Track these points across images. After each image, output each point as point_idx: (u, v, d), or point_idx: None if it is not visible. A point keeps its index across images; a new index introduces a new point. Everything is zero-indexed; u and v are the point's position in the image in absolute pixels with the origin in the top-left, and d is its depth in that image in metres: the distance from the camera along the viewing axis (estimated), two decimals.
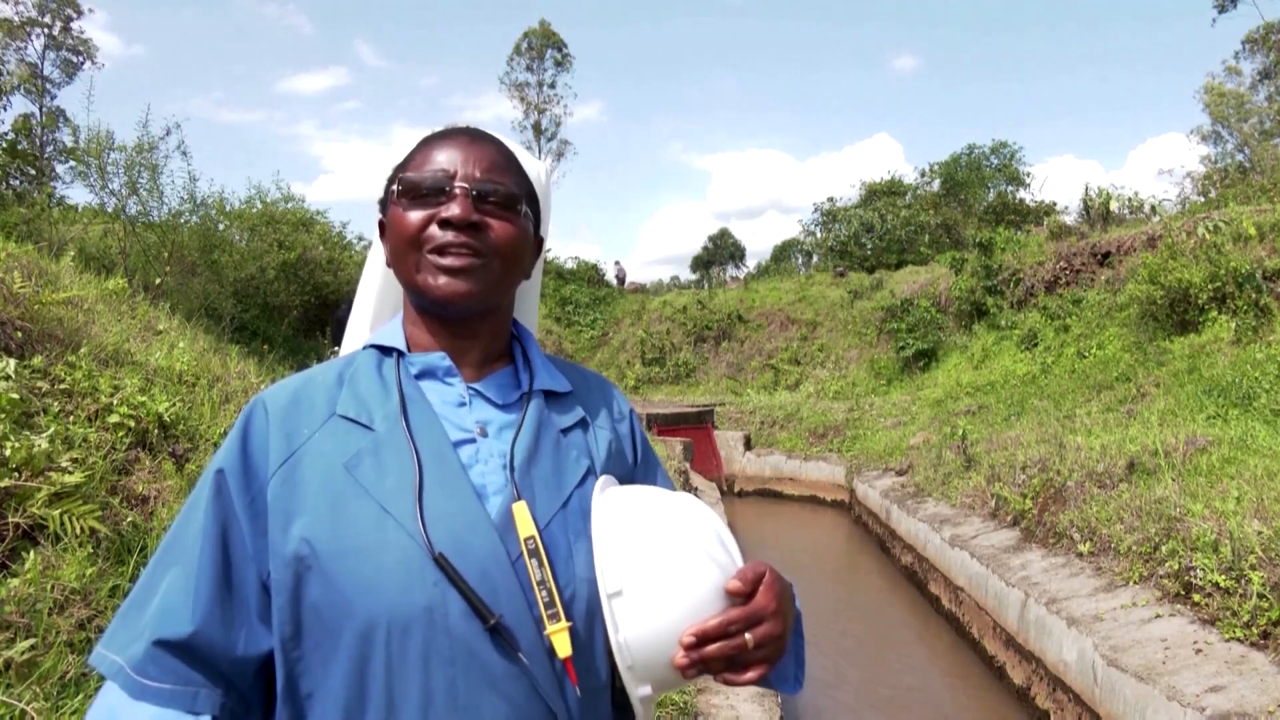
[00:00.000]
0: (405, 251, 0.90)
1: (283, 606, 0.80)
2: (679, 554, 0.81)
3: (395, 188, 0.91)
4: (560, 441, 0.93)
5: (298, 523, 0.81)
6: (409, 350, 0.94)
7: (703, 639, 0.78)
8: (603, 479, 0.92)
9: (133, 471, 3.57)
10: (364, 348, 0.96)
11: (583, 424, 0.98)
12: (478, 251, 0.88)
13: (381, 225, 0.98)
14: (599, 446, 0.97)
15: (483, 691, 0.78)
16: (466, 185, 0.89)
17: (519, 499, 0.85)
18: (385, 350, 0.94)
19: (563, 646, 0.80)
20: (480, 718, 0.78)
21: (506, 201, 0.91)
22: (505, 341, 0.99)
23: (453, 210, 0.88)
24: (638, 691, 0.80)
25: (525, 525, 0.83)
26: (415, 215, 0.89)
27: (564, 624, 0.81)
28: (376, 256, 1.09)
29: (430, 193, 0.89)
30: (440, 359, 0.92)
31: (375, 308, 1.09)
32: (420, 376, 0.92)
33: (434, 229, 0.88)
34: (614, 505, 0.86)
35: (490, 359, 0.96)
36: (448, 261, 0.87)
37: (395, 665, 0.78)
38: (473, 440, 0.89)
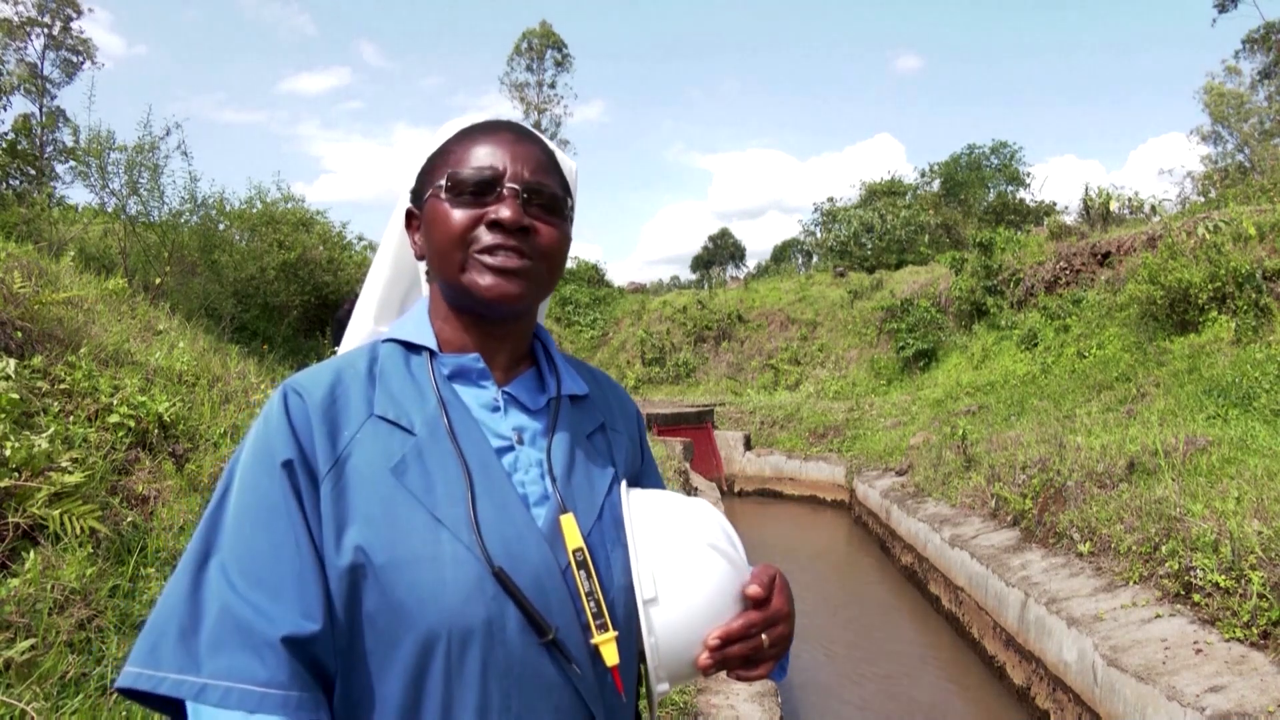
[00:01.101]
0: (449, 250, 0.86)
1: (337, 615, 0.78)
2: (705, 560, 0.85)
3: (443, 182, 0.88)
4: (588, 449, 0.94)
5: (350, 531, 0.79)
6: (439, 349, 0.91)
7: (727, 640, 0.82)
8: (622, 485, 0.93)
9: (133, 471, 3.57)
10: (385, 341, 0.92)
11: (602, 428, 0.99)
12: (525, 255, 0.86)
13: (409, 215, 0.95)
14: (618, 451, 0.98)
15: (535, 701, 0.80)
16: (516, 186, 0.87)
17: (565, 510, 0.85)
18: (410, 346, 0.91)
19: (611, 655, 0.82)
20: None
21: (553, 204, 0.89)
22: (530, 342, 0.98)
23: (504, 213, 0.85)
24: (658, 688, 0.84)
25: (573, 537, 0.84)
26: (461, 214, 0.86)
27: (612, 633, 0.82)
28: (389, 248, 1.06)
29: (479, 191, 0.86)
30: (474, 360, 0.90)
31: (378, 307, 1.07)
32: (452, 378, 0.89)
33: (482, 230, 0.86)
34: (643, 513, 0.89)
35: (517, 360, 0.95)
36: (498, 262, 0.85)
37: (454, 677, 0.77)
38: (511, 448, 0.88)
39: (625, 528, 0.88)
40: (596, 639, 0.82)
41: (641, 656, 0.87)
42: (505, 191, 0.86)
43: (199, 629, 0.74)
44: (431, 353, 0.90)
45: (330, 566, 0.78)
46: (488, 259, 0.85)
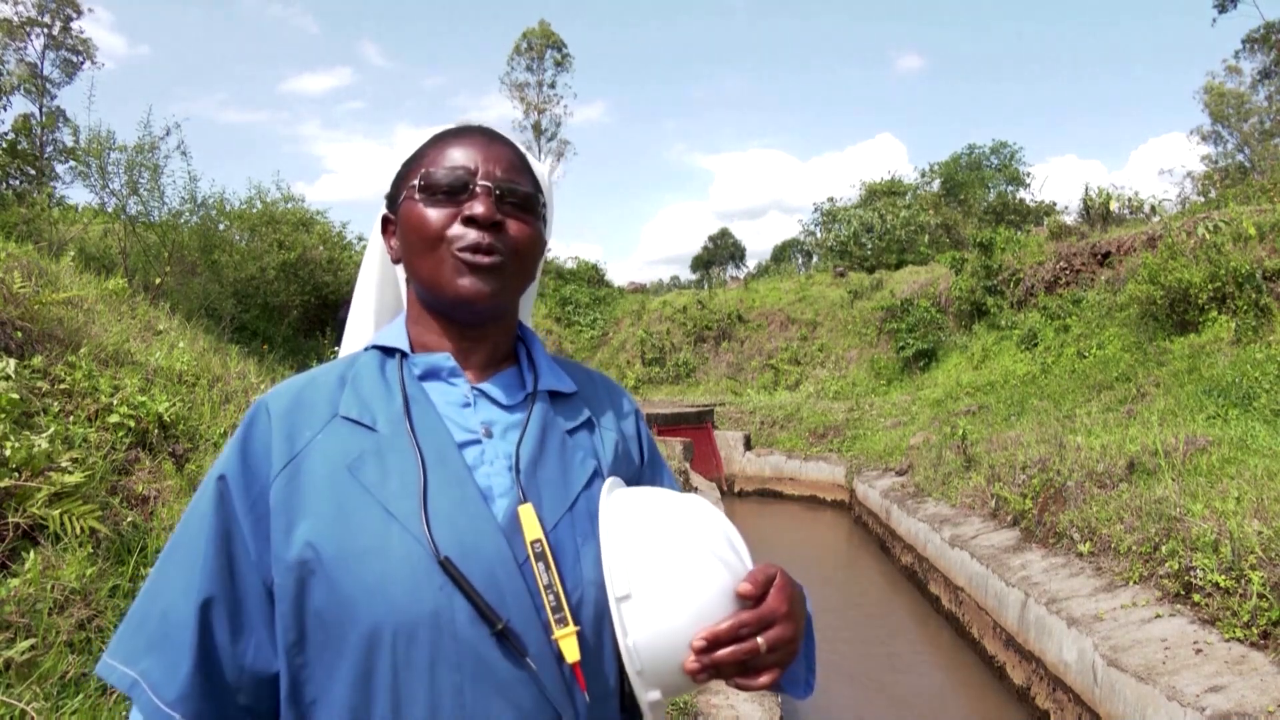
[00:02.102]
0: (424, 250, 0.88)
1: (286, 613, 0.79)
2: (687, 556, 0.80)
3: (416, 183, 0.90)
4: (566, 443, 0.92)
5: (300, 526, 0.80)
6: (413, 351, 0.92)
7: (714, 642, 0.76)
8: (610, 480, 0.90)
9: (133, 471, 3.57)
10: (366, 349, 0.94)
11: (589, 425, 0.97)
12: (499, 251, 0.88)
13: (385, 221, 0.96)
14: (605, 447, 0.96)
15: (490, 697, 0.77)
16: (489, 184, 0.88)
17: (525, 501, 0.84)
18: (388, 351, 0.93)
19: (570, 651, 0.79)
20: None
21: (525, 202, 0.91)
22: (511, 342, 0.98)
23: (477, 209, 0.87)
24: (647, 696, 0.79)
25: (532, 528, 0.82)
26: (436, 213, 0.88)
27: (571, 628, 0.79)
28: (375, 255, 1.07)
29: (452, 190, 0.88)
30: (444, 359, 0.91)
31: (376, 307, 1.07)
32: (424, 377, 0.90)
33: (457, 227, 0.87)
34: (621, 507, 0.85)
35: (496, 360, 0.95)
36: (471, 261, 0.86)
37: (401, 671, 0.76)
38: (478, 441, 0.87)
39: (599, 521, 0.84)
40: (556, 634, 0.79)
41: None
42: (478, 189, 0.88)
43: (145, 625, 0.80)
44: (404, 354, 0.92)
45: (279, 562, 0.80)
46: (462, 258, 0.86)
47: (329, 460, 0.83)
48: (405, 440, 0.84)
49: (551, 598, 0.80)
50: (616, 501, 0.86)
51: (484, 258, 0.86)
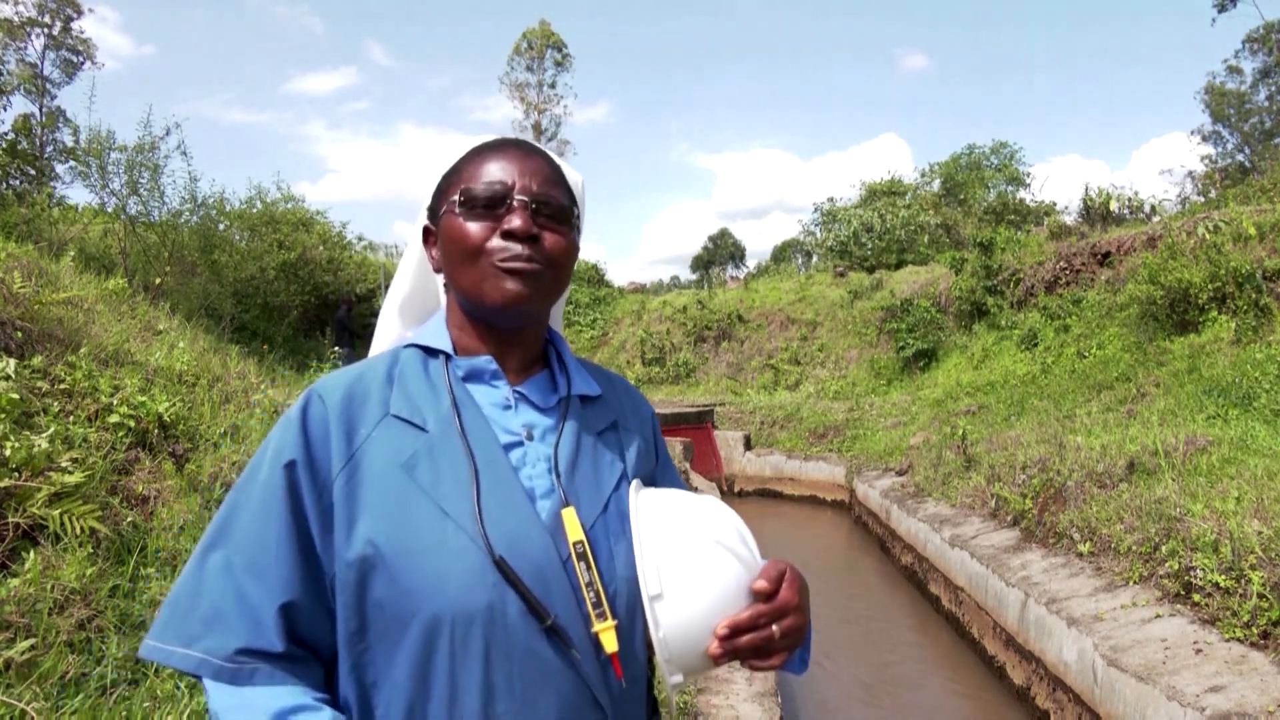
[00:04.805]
0: (465, 261, 0.93)
1: (347, 604, 0.85)
2: (708, 555, 0.89)
3: (456, 198, 0.95)
4: (596, 445, 1.00)
5: (361, 524, 0.85)
6: (455, 353, 0.98)
7: (735, 630, 0.86)
8: (634, 483, 0.98)
9: (133, 471, 3.57)
10: (406, 346, 1.00)
11: (614, 427, 1.04)
12: (536, 260, 0.93)
13: (426, 231, 1.02)
14: (629, 450, 1.04)
15: (538, 684, 0.85)
16: (525, 198, 0.94)
17: (567, 504, 0.91)
18: (429, 351, 0.98)
19: (609, 643, 0.87)
20: (535, 708, 0.85)
21: (560, 214, 0.96)
22: (542, 345, 1.04)
23: (514, 223, 0.92)
24: (672, 680, 0.87)
25: (574, 529, 0.89)
26: (476, 227, 0.93)
27: (610, 622, 0.87)
28: (411, 260, 1.12)
29: (490, 204, 0.93)
30: (487, 362, 0.97)
31: (408, 309, 1.13)
32: (467, 379, 0.96)
33: (496, 240, 0.93)
34: (650, 511, 0.93)
35: (530, 363, 1.01)
36: (511, 267, 0.92)
37: (458, 659, 0.83)
38: (520, 444, 0.94)
39: (631, 524, 0.92)
40: (596, 627, 0.86)
41: (652, 648, 0.91)
42: (515, 203, 0.93)
43: (197, 607, 0.84)
44: (447, 356, 0.97)
45: (340, 557, 0.86)
46: (502, 265, 0.92)
47: (384, 459, 0.88)
48: (456, 442, 0.90)
49: (592, 594, 0.87)
50: (643, 504, 0.93)
51: (523, 264, 0.92)
